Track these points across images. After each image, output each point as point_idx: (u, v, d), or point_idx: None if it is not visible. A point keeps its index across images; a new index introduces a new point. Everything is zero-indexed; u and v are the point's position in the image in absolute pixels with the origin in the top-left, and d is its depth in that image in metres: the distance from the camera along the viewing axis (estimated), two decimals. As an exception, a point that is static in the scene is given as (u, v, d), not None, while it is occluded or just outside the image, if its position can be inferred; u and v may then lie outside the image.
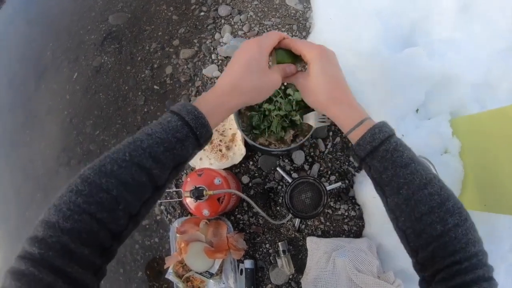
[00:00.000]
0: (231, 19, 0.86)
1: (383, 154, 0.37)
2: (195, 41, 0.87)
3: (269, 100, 0.66)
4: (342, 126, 0.42)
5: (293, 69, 0.46)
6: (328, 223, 0.72)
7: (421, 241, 0.35)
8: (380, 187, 0.40)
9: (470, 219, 0.35)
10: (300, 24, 0.83)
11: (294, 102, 0.64)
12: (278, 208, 0.73)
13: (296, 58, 0.47)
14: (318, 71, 0.41)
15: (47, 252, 0.27)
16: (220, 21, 0.87)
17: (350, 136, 0.42)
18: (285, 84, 0.62)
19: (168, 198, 0.79)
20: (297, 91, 0.63)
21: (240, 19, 0.85)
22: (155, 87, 0.87)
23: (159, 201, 0.78)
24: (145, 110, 0.86)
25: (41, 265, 0.27)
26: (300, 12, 0.84)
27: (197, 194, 0.60)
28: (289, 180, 0.69)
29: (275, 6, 0.85)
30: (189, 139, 0.36)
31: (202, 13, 0.89)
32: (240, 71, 0.40)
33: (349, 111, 0.41)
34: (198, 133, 0.36)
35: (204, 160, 0.74)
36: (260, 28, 0.83)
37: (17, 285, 0.26)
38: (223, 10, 0.87)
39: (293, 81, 0.46)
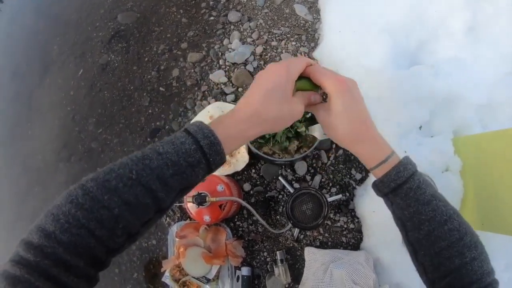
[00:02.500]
0: (240, 26, 0.86)
1: (406, 192, 0.38)
2: (204, 45, 0.87)
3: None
4: (365, 162, 0.42)
5: (318, 98, 0.43)
6: (327, 235, 0.72)
7: (439, 273, 0.37)
8: (401, 222, 0.40)
9: (484, 251, 0.37)
10: (309, 34, 0.83)
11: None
12: (278, 217, 0.74)
13: (316, 86, 0.44)
14: (340, 108, 0.39)
15: (42, 261, 0.27)
16: (230, 26, 0.87)
17: (373, 172, 0.41)
18: None
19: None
20: None
21: (250, 26, 0.85)
22: (160, 89, 0.87)
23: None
24: (150, 111, 0.86)
25: (36, 272, 0.27)
26: (310, 22, 0.85)
27: (200, 200, 0.60)
28: (291, 190, 0.70)
29: (285, 15, 0.86)
30: (201, 164, 0.34)
31: (211, 18, 0.89)
32: (263, 97, 0.37)
33: (372, 149, 0.40)
34: (211, 160, 0.34)
35: (206, 165, 0.74)
36: (269, 36, 0.84)
37: None
38: (232, 16, 0.87)
39: (313, 112, 0.44)
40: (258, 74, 0.39)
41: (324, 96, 0.44)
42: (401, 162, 0.39)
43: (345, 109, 0.39)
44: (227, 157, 0.73)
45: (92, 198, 0.29)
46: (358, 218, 0.72)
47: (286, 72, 0.38)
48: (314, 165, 0.74)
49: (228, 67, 0.83)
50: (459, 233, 0.36)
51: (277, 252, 0.70)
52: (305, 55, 0.82)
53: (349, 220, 0.72)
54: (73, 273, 0.28)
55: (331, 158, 0.75)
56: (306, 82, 0.43)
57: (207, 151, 0.34)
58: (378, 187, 0.41)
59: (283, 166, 0.75)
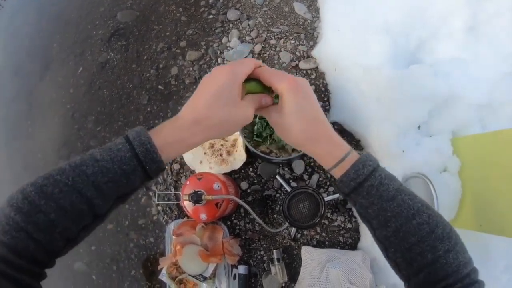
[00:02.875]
0: (239, 24, 0.86)
1: (368, 190, 0.36)
2: (202, 43, 0.87)
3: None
4: (323, 163, 0.39)
5: (269, 100, 0.41)
6: (324, 234, 0.72)
7: (413, 269, 0.35)
8: (366, 220, 0.39)
9: (459, 241, 0.35)
10: (308, 33, 0.83)
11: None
12: (275, 216, 0.74)
13: (266, 89, 0.42)
14: (293, 107, 0.37)
15: None
16: (228, 25, 0.87)
17: (332, 172, 0.39)
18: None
19: (166, 200, 0.79)
20: None
21: (249, 25, 0.85)
22: (159, 87, 0.87)
23: (156, 202, 0.78)
24: (148, 109, 0.86)
25: None
26: (309, 21, 0.84)
27: (196, 198, 0.60)
28: (288, 189, 0.70)
29: (284, 13, 0.85)
30: (137, 172, 0.33)
31: (211, 16, 0.89)
32: (208, 102, 0.35)
33: (328, 148, 0.38)
34: (147, 168, 0.34)
35: (204, 163, 0.74)
36: (268, 35, 0.83)
37: None
38: (232, 14, 0.87)
39: (265, 115, 0.42)
40: (203, 78, 0.38)
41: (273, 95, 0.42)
42: (360, 159, 0.37)
43: (299, 108, 0.37)
44: (224, 155, 0.73)
45: (30, 203, 0.30)
46: (355, 217, 0.72)
47: (231, 74, 0.36)
48: (312, 164, 0.74)
49: (226, 66, 0.83)
50: (429, 226, 0.34)
51: (274, 251, 0.70)
52: (303, 54, 0.81)
53: (346, 220, 0.72)
54: (18, 269, 0.30)
55: (329, 157, 0.74)
56: (256, 84, 0.41)
57: (143, 159, 0.33)
58: (339, 187, 0.39)
59: (281, 165, 0.75)
